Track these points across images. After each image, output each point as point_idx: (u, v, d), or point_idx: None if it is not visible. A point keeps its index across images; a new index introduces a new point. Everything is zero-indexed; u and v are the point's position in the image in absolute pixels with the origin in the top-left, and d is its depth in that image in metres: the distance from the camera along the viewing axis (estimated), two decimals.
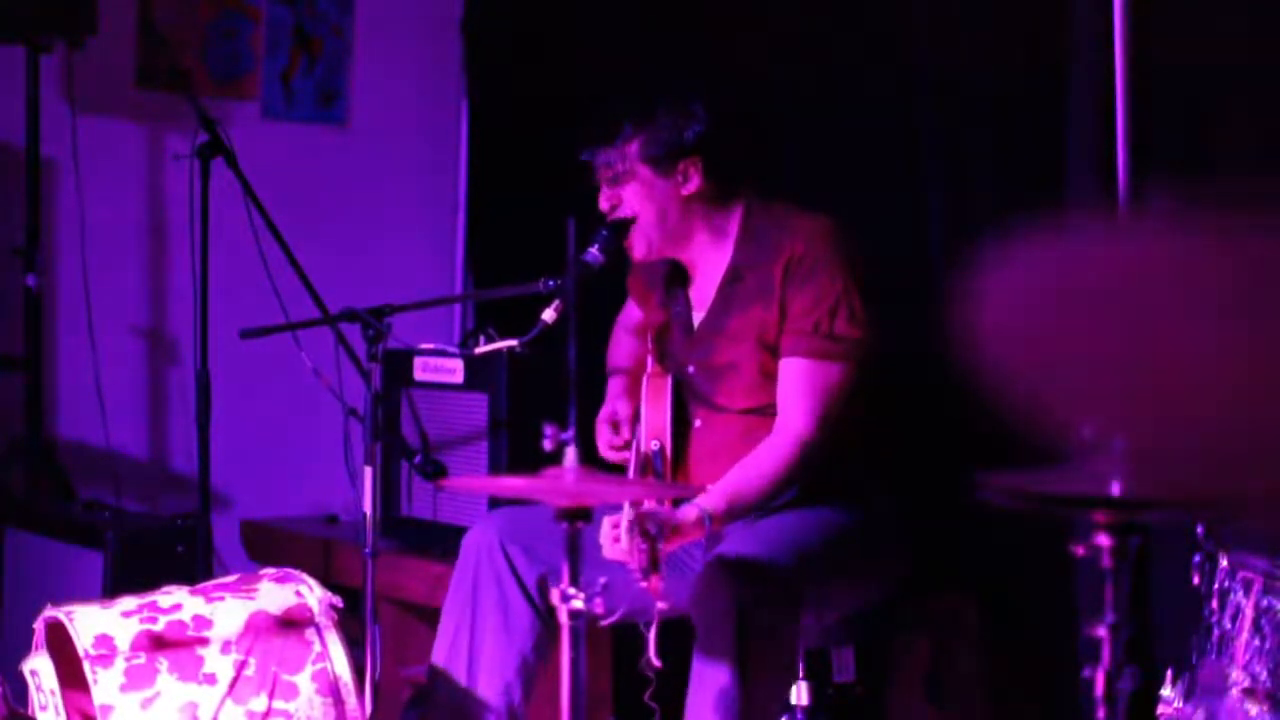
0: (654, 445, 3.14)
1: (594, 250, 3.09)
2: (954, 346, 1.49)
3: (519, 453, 3.50)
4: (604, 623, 2.70)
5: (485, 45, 4.98)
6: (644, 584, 2.71)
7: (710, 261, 3.14)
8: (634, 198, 3.07)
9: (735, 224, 3.12)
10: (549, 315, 3.06)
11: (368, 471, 3.09)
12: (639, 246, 3.11)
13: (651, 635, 2.79)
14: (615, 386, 3.37)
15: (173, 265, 4.52)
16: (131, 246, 4.55)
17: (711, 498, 2.89)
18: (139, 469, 4.53)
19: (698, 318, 3.17)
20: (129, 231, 4.55)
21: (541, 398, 3.45)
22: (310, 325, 3.34)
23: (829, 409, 2.98)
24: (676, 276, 3.22)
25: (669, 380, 3.15)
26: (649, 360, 3.26)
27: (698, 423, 3.14)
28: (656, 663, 2.76)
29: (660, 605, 2.73)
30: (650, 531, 2.68)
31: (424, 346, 3.75)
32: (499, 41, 4.92)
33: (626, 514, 2.76)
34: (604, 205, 3.11)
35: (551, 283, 3.07)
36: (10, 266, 4.14)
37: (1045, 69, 3.34)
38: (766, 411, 3.03)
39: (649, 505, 2.78)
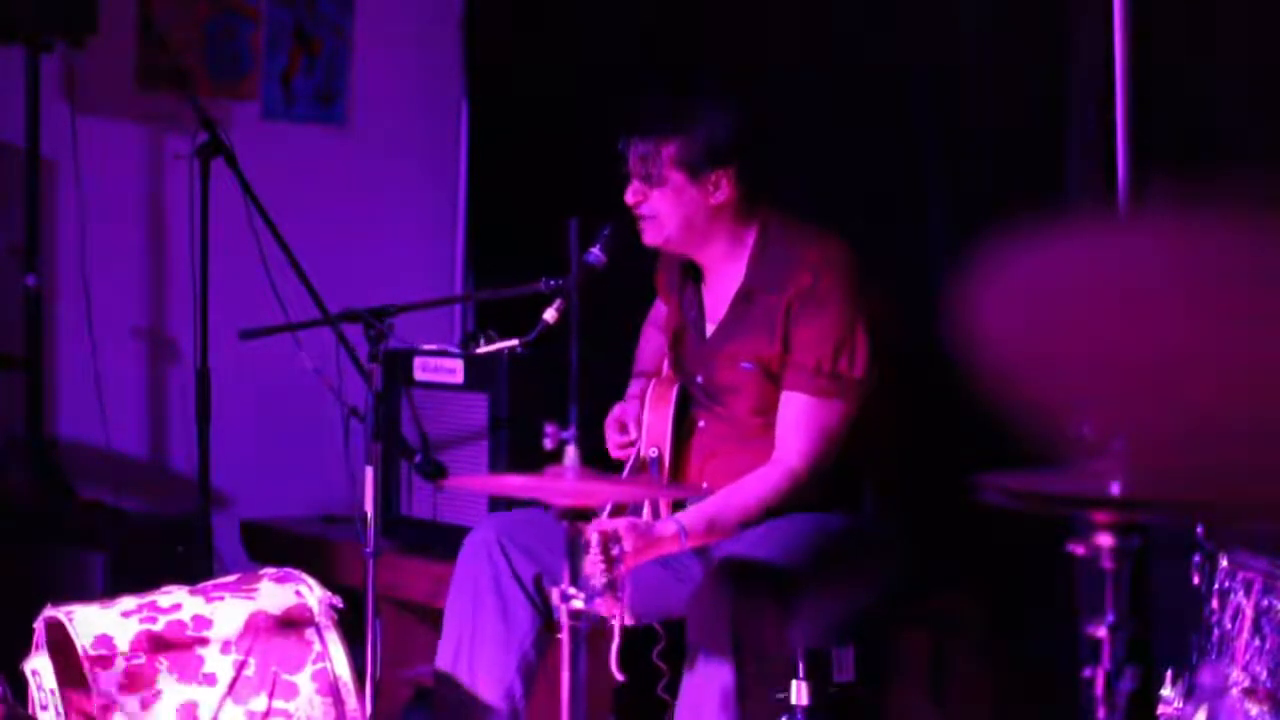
0: (652, 452, 3.14)
1: (596, 251, 3.09)
2: (954, 346, 1.49)
3: (519, 453, 3.50)
4: (626, 622, 2.71)
5: (485, 45, 4.97)
6: (599, 599, 2.71)
7: (725, 273, 3.14)
8: (662, 200, 3.05)
9: (752, 238, 3.10)
10: (551, 315, 3.06)
11: (369, 471, 3.09)
12: (652, 234, 3.09)
13: (613, 648, 2.79)
14: (635, 388, 3.36)
15: (173, 265, 4.52)
16: (131, 246, 4.55)
17: (692, 516, 2.91)
18: (139, 469, 4.53)
19: (710, 328, 3.17)
20: (129, 231, 4.55)
21: (542, 398, 3.45)
22: (310, 325, 3.33)
23: (825, 447, 2.99)
24: (695, 277, 3.22)
25: (675, 387, 3.15)
26: (665, 364, 3.27)
27: (701, 423, 3.14)
28: (619, 676, 2.76)
29: (614, 623, 2.74)
30: (613, 553, 2.68)
31: (425, 346, 3.75)
32: (499, 41, 4.91)
33: (594, 530, 2.74)
34: (630, 199, 3.08)
35: (553, 283, 3.07)
36: (10, 266, 4.14)
37: (1045, 69, 3.34)
38: (769, 425, 3.04)
39: (620, 524, 2.78)
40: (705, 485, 3.02)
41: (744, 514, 2.96)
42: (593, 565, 2.65)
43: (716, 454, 3.09)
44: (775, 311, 3.02)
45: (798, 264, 3.02)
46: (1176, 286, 1.35)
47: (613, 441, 3.27)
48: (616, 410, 3.30)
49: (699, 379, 3.14)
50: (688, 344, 3.21)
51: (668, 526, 2.87)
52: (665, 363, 3.29)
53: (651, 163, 3.02)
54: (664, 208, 3.05)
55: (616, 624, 2.74)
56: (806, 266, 3.02)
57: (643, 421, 3.18)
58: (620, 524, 2.79)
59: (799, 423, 2.99)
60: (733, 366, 3.08)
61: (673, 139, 3.02)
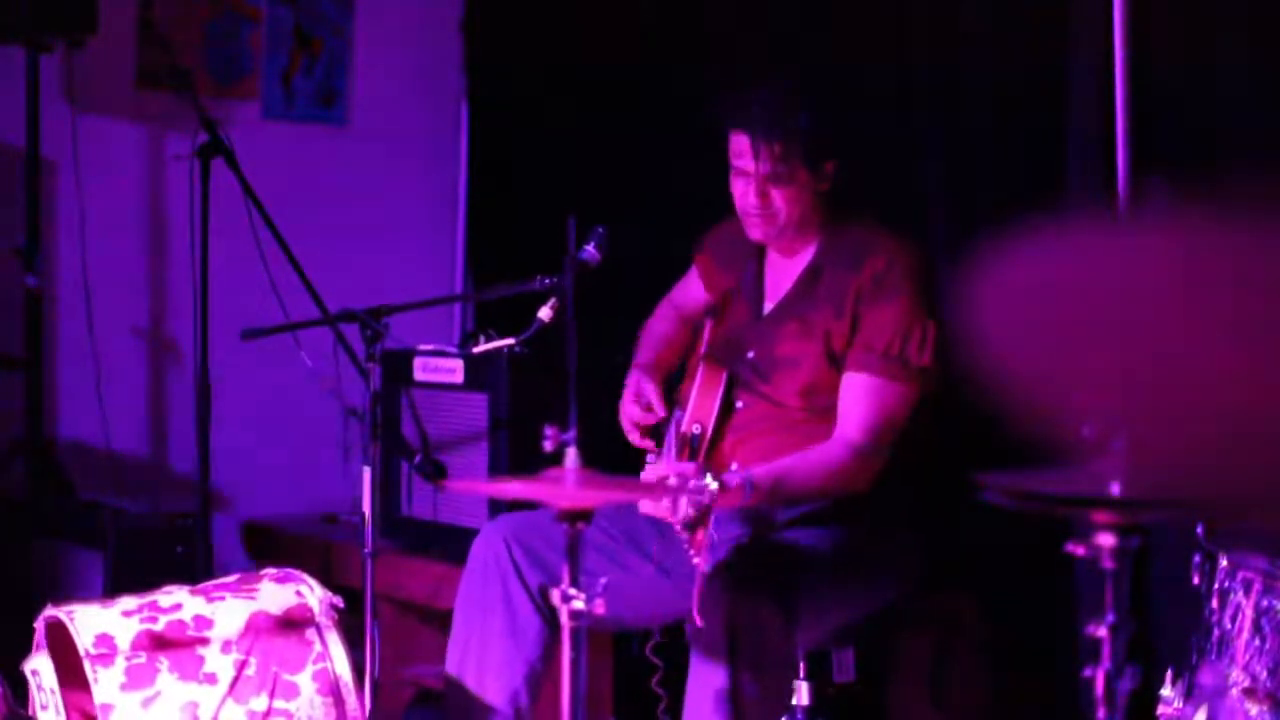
0: (695, 428, 3.13)
1: (590, 248, 3.08)
2: (954, 346, 1.49)
3: (519, 453, 3.50)
4: (704, 568, 2.73)
5: (485, 45, 4.98)
6: (686, 537, 2.73)
7: (791, 252, 3.14)
8: (784, 197, 3.02)
9: (820, 220, 3.11)
10: (545, 313, 3.05)
11: (366, 471, 3.09)
12: (765, 229, 3.07)
13: (695, 593, 2.76)
14: (638, 375, 3.32)
15: (173, 265, 4.52)
16: (131, 247, 4.56)
17: (760, 473, 2.90)
18: (139, 469, 4.53)
19: (768, 305, 3.16)
20: (129, 232, 4.55)
21: (541, 398, 3.46)
22: (310, 325, 3.33)
23: (885, 427, 2.97)
24: (758, 256, 3.21)
25: (725, 373, 3.14)
26: (703, 344, 3.25)
27: (740, 404, 3.12)
28: (699, 621, 2.74)
29: (697, 561, 2.74)
30: (698, 489, 2.71)
31: (424, 347, 3.75)
32: (499, 41, 4.92)
33: (673, 471, 2.79)
34: (754, 200, 3.03)
35: (548, 281, 3.07)
36: (10, 266, 4.14)
37: (1045, 69, 3.34)
38: (812, 410, 3.03)
39: (690, 468, 2.82)
40: (734, 465, 3.01)
41: (807, 483, 2.95)
42: (684, 508, 2.67)
43: (753, 435, 3.07)
44: (846, 289, 3.02)
45: (874, 247, 3.03)
46: (1176, 286, 1.35)
47: (629, 415, 3.22)
48: (631, 391, 3.25)
49: (750, 354, 3.13)
50: (738, 320, 3.20)
51: (734, 478, 2.87)
52: (705, 339, 3.26)
53: (779, 162, 2.99)
54: (785, 204, 3.03)
55: (700, 564, 2.75)
56: (882, 250, 3.02)
57: (689, 401, 3.16)
58: (690, 468, 2.81)
59: (860, 400, 2.97)
60: (794, 340, 3.06)
61: (802, 137, 2.99)
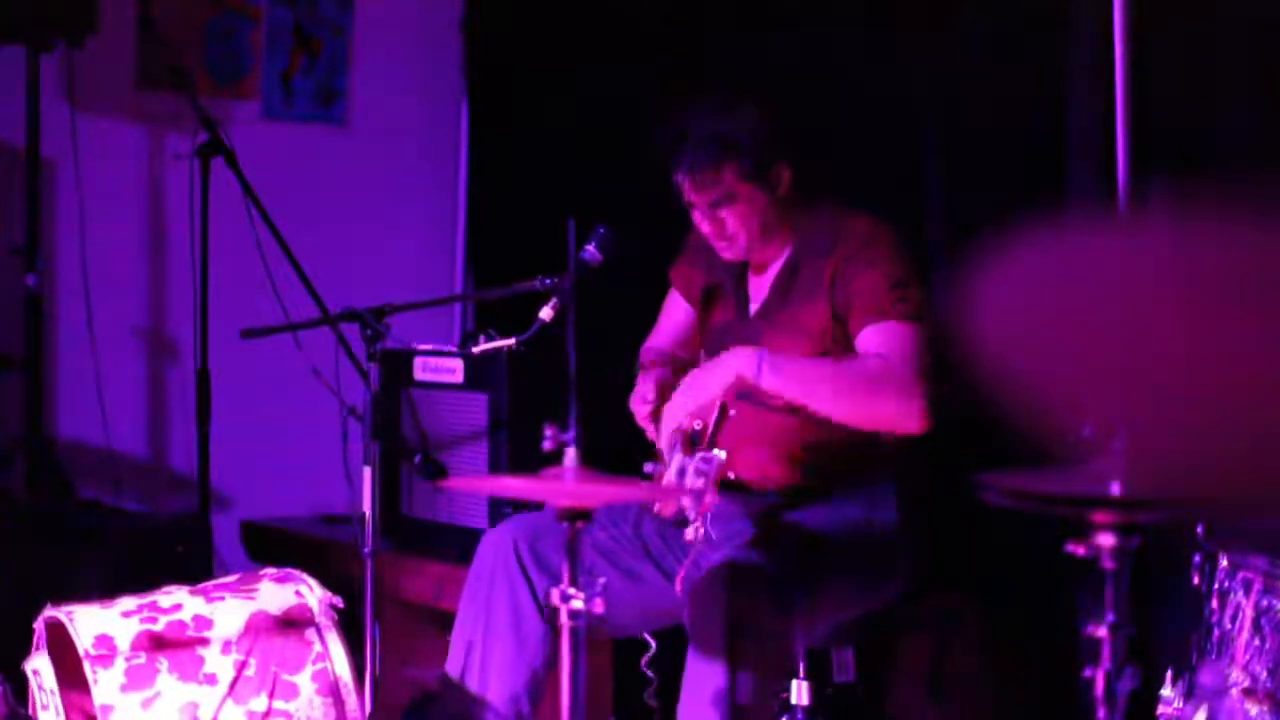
0: (696, 424, 3.13)
1: (591, 249, 3.08)
2: (953, 346, 1.49)
3: (519, 453, 3.50)
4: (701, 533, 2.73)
5: (485, 45, 4.98)
6: (693, 508, 2.75)
7: (771, 255, 3.13)
8: (736, 218, 3.02)
9: (799, 219, 3.10)
10: (546, 314, 3.05)
11: (366, 471, 3.09)
12: (733, 252, 3.09)
13: (683, 567, 2.73)
14: (649, 374, 3.32)
15: (173, 265, 4.52)
16: (131, 246, 4.56)
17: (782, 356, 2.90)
18: (139, 469, 4.53)
19: (754, 306, 3.16)
20: (129, 231, 4.55)
21: (541, 398, 3.45)
22: (310, 325, 3.33)
23: (912, 360, 2.89)
24: (740, 264, 3.21)
25: None
26: (701, 354, 3.25)
27: (732, 412, 3.12)
28: (677, 589, 2.71)
29: (693, 533, 2.74)
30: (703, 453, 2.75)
31: (424, 347, 3.75)
32: (499, 41, 4.92)
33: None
34: (708, 229, 3.05)
35: (548, 281, 3.07)
36: (10, 266, 4.14)
37: (1045, 67, 3.34)
38: (803, 412, 3.02)
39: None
40: (731, 475, 3.00)
41: (831, 369, 2.92)
42: (691, 479, 2.67)
43: (743, 439, 3.06)
44: (821, 275, 3.00)
45: (846, 232, 3.02)
46: (1176, 286, 1.35)
47: (640, 414, 3.23)
48: (641, 389, 3.26)
49: None
50: (727, 324, 3.19)
51: (743, 348, 2.87)
52: (701, 352, 3.26)
53: (717, 188, 2.99)
54: (739, 222, 3.03)
55: (697, 534, 2.75)
56: (855, 234, 3.01)
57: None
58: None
59: (876, 345, 2.92)
60: (781, 336, 3.05)
61: (731, 157, 2.98)
